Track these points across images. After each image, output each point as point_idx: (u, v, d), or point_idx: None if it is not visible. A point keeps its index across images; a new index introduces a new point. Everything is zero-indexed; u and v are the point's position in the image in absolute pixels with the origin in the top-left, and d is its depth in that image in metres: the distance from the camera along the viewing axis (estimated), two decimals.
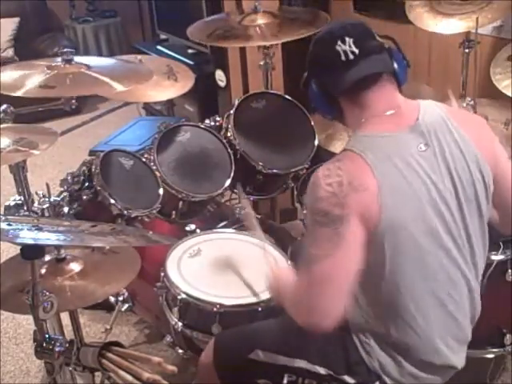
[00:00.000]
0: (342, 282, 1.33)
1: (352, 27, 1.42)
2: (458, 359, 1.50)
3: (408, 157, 1.36)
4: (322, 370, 1.48)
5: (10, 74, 1.93)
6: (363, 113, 1.42)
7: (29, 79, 1.86)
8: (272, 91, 2.57)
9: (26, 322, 2.66)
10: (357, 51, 1.38)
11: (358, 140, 1.40)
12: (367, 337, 1.44)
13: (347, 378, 1.46)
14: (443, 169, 1.38)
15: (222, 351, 1.62)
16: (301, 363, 1.49)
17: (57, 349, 1.39)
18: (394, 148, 1.36)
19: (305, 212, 2.25)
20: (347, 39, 1.39)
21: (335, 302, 1.34)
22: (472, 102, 2.18)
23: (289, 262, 1.94)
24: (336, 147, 2.39)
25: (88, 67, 1.94)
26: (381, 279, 1.38)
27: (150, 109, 4.45)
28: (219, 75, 3.41)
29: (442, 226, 1.38)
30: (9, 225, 1.33)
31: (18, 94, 1.79)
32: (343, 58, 1.38)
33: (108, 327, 2.40)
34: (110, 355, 1.45)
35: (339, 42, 1.39)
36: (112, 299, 2.38)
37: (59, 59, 1.94)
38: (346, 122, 1.51)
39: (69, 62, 1.93)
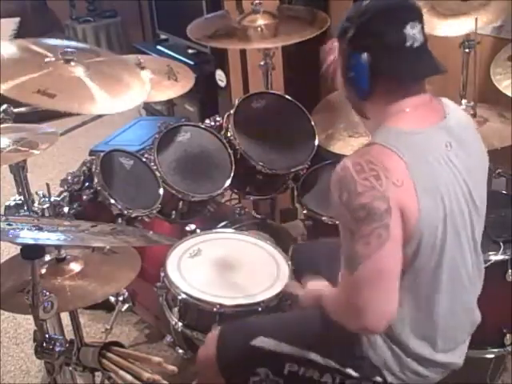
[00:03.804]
0: (393, 277, 1.29)
1: (419, 11, 1.35)
2: (459, 357, 1.51)
3: (438, 156, 1.33)
4: (325, 362, 1.47)
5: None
6: (396, 104, 1.36)
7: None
8: (272, 91, 2.57)
9: (26, 322, 2.66)
10: (422, 40, 1.31)
11: (388, 134, 1.33)
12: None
13: (351, 371, 1.46)
14: (465, 167, 1.37)
15: (225, 339, 1.60)
16: (305, 353, 1.48)
17: (57, 349, 1.39)
18: (426, 146, 1.33)
19: (309, 216, 2.26)
20: (416, 24, 1.30)
21: (389, 298, 1.29)
22: (472, 103, 2.19)
23: (289, 262, 1.94)
24: (336, 147, 2.39)
25: None
26: (407, 279, 1.35)
27: (150, 109, 4.44)
28: (219, 75, 3.40)
29: (463, 226, 1.38)
30: (9, 225, 1.33)
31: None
32: (408, 43, 1.30)
33: (108, 327, 2.40)
34: (110, 355, 1.45)
35: (408, 27, 1.30)
36: (112, 299, 2.39)
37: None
38: (368, 105, 1.42)
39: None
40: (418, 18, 1.33)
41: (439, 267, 1.37)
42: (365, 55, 1.33)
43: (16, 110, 2.01)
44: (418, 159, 1.30)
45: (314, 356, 1.47)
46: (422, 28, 1.33)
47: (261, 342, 1.51)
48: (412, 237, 1.30)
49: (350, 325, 1.34)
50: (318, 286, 1.58)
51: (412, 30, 1.30)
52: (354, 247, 1.28)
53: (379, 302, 1.29)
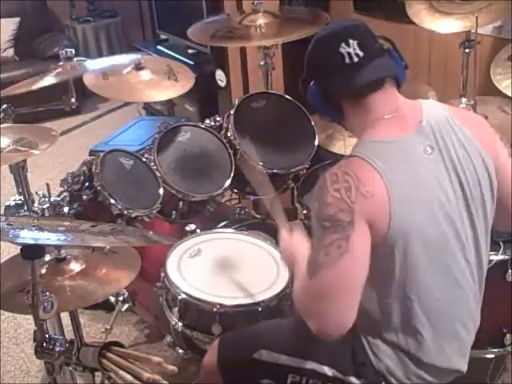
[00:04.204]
0: (351, 289, 1.30)
1: (355, 28, 1.41)
2: (463, 363, 1.50)
3: (416, 162, 1.35)
4: (328, 371, 1.47)
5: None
6: (367, 116, 1.40)
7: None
8: (272, 91, 2.57)
9: (26, 322, 2.66)
10: (361, 54, 1.36)
11: (366, 146, 1.37)
12: (375, 338, 1.44)
13: (353, 380, 1.46)
14: (450, 170, 1.37)
15: (227, 351, 1.61)
16: (306, 364, 1.48)
17: (57, 349, 1.38)
18: (402, 154, 1.35)
19: (309, 215, 2.26)
20: (351, 41, 1.37)
21: (346, 309, 1.31)
22: (472, 103, 2.19)
23: None
24: (336, 147, 2.39)
25: None
26: (390, 285, 1.37)
27: (150, 109, 4.45)
28: (219, 75, 3.41)
29: (450, 230, 1.37)
30: (9, 225, 1.33)
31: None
32: (347, 60, 1.37)
33: (108, 327, 2.40)
34: (110, 355, 1.44)
35: (343, 45, 1.37)
36: (112, 299, 2.39)
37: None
38: (346, 124, 1.50)
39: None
40: (351, 35, 1.38)
41: (428, 270, 1.37)
42: (313, 86, 1.45)
43: (16, 110, 2.01)
44: (394, 168, 1.32)
45: (314, 366, 1.48)
46: (362, 41, 1.38)
47: (262, 355, 1.52)
48: (386, 244, 1.32)
49: (308, 323, 1.34)
50: (301, 244, 1.53)
51: (347, 48, 1.37)
52: (316, 255, 1.32)
53: (336, 311, 1.31)
